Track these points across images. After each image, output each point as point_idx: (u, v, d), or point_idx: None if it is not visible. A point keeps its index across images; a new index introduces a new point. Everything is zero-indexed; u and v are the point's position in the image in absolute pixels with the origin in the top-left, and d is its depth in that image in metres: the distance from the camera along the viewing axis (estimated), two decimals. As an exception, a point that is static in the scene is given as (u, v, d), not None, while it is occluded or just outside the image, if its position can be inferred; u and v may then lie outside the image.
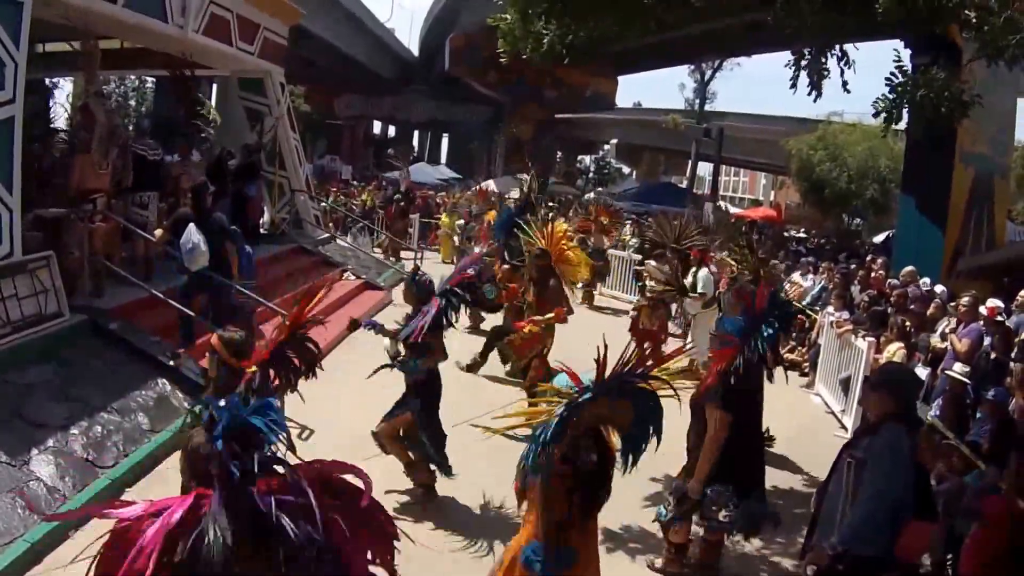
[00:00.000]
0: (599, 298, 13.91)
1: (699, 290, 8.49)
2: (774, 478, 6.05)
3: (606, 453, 3.17)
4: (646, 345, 3.22)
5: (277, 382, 3.86)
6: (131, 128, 13.84)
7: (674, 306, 9.64)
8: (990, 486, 4.46)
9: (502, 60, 6.57)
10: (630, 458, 3.15)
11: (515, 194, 14.92)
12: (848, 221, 28.27)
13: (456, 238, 16.75)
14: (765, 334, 4.36)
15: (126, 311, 7.07)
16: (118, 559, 1.74)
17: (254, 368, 3.71)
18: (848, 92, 5.24)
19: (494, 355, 8.33)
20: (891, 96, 4.95)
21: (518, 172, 32.78)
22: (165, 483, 5.22)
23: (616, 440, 3.18)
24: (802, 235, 23.95)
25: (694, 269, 8.55)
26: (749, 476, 4.44)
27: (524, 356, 7.26)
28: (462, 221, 17.34)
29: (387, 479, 5.38)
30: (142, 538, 1.71)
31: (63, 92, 17.47)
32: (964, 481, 4.81)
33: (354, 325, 5.36)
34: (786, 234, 23.56)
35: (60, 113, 12.85)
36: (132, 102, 24.91)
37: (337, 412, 6.59)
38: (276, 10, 11.73)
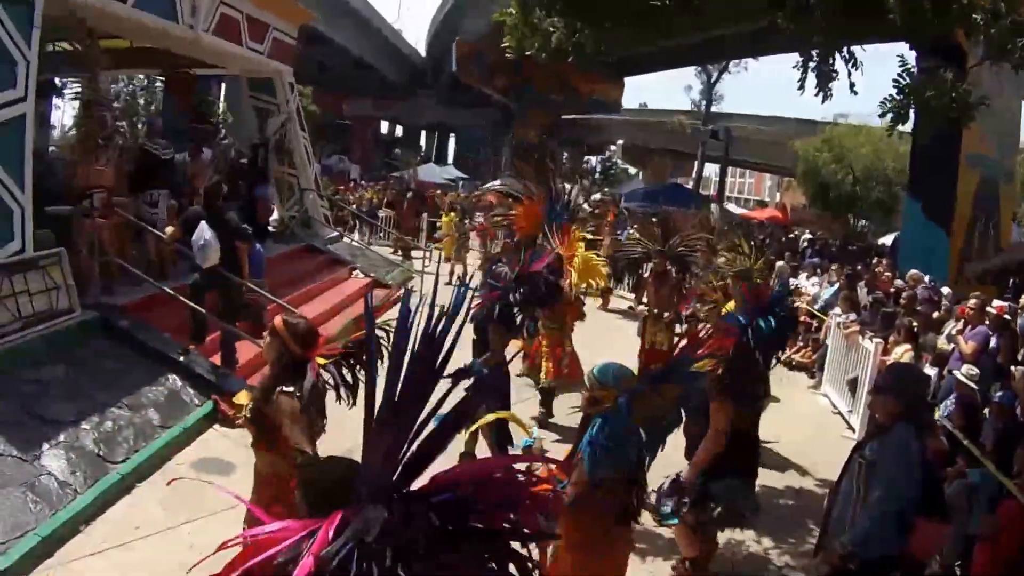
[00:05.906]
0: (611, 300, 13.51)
1: None
2: (782, 479, 6.09)
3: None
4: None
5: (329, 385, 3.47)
6: (141, 127, 13.81)
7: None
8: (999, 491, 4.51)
9: (508, 56, 6.48)
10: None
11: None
12: (854, 223, 28.19)
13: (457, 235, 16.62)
14: (763, 325, 4.43)
15: (137, 308, 7.13)
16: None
17: (324, 361, 3.34)
18: (855, 93, 5.24)
19: None
20: (899, 97, 4.96)
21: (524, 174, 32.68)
22: (174, 477, 5.27)
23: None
24: (808, 236, 23.82)
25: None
26: (747, 468, 4.49)
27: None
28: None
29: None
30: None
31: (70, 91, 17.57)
32: (971, 481, 4.84)
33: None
34: (792, 235, 23.47)
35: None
36: (141, 101, 24.97)
37: (345, 412, 6.61)
38: (285, 11, 11.80)
